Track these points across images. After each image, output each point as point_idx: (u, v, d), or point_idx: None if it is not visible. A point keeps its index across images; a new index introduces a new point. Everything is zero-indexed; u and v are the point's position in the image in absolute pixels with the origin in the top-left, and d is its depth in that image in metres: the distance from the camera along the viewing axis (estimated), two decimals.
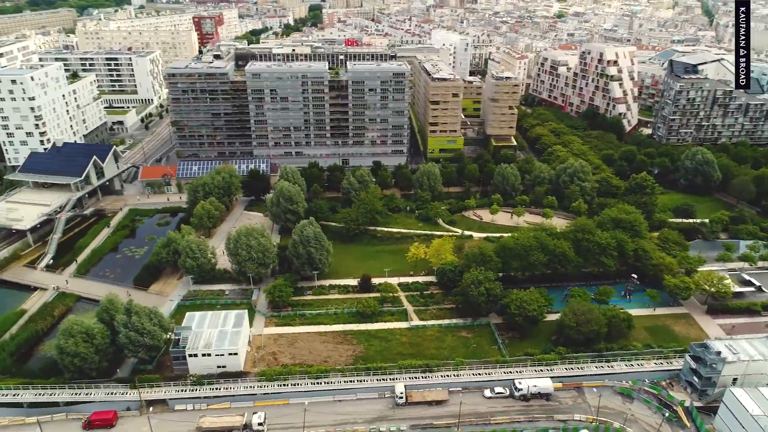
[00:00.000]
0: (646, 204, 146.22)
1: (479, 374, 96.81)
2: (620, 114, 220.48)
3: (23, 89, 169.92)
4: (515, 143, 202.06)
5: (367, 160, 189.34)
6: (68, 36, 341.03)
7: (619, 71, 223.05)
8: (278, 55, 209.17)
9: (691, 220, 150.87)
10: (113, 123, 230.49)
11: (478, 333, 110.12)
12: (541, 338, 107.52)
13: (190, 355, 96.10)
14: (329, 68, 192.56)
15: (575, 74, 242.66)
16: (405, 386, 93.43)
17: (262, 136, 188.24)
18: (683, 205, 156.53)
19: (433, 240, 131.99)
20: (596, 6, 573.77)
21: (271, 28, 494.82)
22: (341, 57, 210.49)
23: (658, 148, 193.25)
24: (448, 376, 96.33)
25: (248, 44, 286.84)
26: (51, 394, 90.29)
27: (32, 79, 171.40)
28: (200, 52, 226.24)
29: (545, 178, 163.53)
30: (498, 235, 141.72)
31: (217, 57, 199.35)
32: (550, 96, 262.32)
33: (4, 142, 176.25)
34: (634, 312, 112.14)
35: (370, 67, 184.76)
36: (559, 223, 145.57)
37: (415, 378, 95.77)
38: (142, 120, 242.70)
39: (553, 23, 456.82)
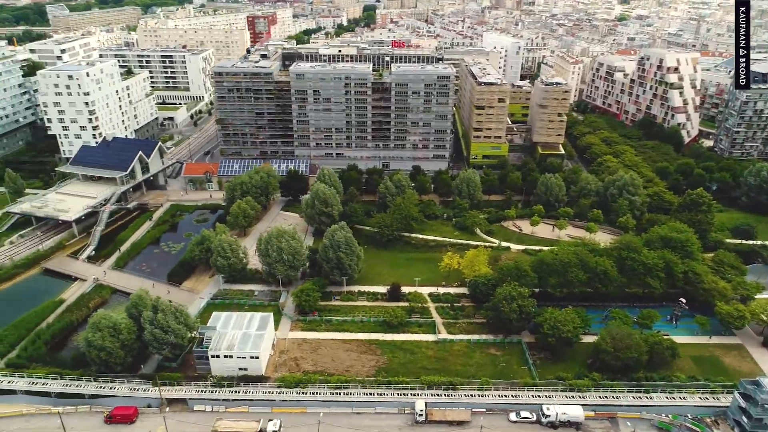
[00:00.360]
0: (701, 222, 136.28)
1: (505, 396, 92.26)
2: (679, 124, 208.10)
3: (79, 84, 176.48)
4: (563, 152, 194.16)
5: (408, 163, 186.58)
6: (130, 33, 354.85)
7: (680, 79, 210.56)
8: (324, 55, 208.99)
9: (751, 242, 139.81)
10: (164, 119, 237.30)
11: (508, 351, 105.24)
12: (576, 361, 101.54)
13: (213, 356, 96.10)
14: (373, 70, 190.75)
15: (632, 81, 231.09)
16: (426, 403, 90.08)
17: (303, 137, 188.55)
18: (743, 225, 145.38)
19: (468, 250, 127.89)
20: (661, 9, 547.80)
21: (324, 28, 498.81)
22: (387, 59, 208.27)
23: (719, 162, 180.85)
24: (472, 395, 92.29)
25: (297, 44, 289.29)
26: (77, 386, 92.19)
27: (88, 75, 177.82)
28: (248, 51, 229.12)
29: (592, 190, 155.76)
30: (537, 248, 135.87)
31: (264, 57, 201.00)
32: (604, 103, 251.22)
33: (59, 134, 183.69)
34: (680, 339, 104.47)
35: (414, 70, 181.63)
36: (603, 238, 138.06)
37: (438, 395, 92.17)
38: (191, 117, 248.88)
39: (613, 26, 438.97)
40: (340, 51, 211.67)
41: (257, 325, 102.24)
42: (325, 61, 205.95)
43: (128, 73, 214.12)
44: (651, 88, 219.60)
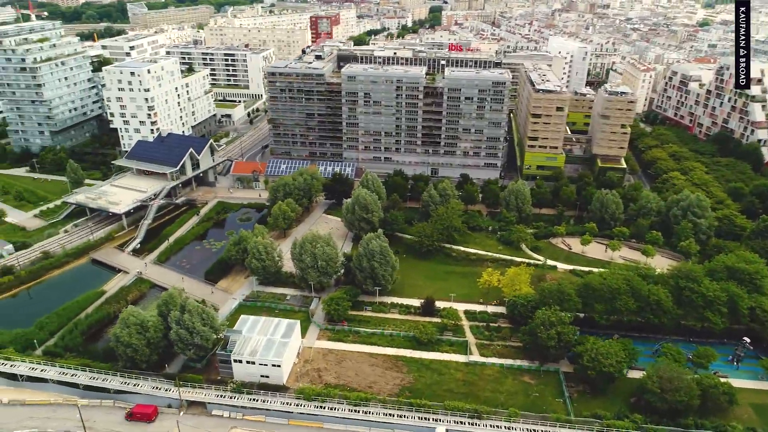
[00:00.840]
0: None
1: (534, 431, 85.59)
2: (760, 141, 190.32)
3: (140, 81, 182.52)
4: (624, 165, 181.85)
5: (458, 171, 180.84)
6: (198, 31, 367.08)
7: (764, 91, 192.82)
8: (379, 57, 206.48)
9: None
10: (222, 116, 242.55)
11: (544, 380, 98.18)
12: (617, 398, 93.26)
13: (235, 361, 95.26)
14: (427, 74, 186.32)
15: (708, 91, 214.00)
16: (447, 430, 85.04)
17: (352, 139, 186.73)
18: None
19: (510, 267, 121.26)
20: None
21: (388, 28, 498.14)
22: (443, 62, 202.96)
23: None
24: (498, 427, 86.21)
25: (356, 45, 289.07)
26: (103, 380, 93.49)
27: (149, 72, 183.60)
28: (303, 51, 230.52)
29: (652, 210, 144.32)
30: (587, 269, 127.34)
31: (318, 57, 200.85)
32: (676, 114, 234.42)
33: (120, 128, 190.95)
34: (741, 384, 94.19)
35: (467, 75, 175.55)
36: (661, 263, 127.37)
37: (461, 423, 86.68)
38: (248, 114, 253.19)
39: (693, 32, 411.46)
40: (395, 53, 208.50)
41: (283, 332, 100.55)
42: (379, 63, 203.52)
43: (189, 70, 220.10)
44: (729, 100, 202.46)
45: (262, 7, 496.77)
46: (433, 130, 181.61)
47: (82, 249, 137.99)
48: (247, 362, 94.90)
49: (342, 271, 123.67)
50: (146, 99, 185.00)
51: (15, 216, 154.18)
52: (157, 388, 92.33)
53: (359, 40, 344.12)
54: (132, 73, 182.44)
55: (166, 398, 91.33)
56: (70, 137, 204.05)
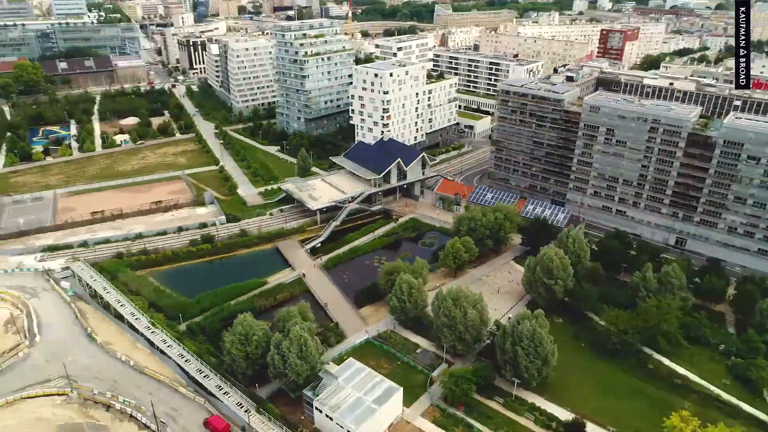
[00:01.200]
0: None
1: None
2: None
3: (381, 83, 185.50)
4: None
5: (715, 250, 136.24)
6: (479, 36, 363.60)
7: None
8: (648, 86, 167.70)
9: None
10: (465, 126, 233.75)
11: None
12: None
13: (316, 408, 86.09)
14: (701, 116, 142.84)
15: None
16: None
17: (581, 180, 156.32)
18: None
19: (721, 422, 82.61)
20: None
21: (708, 48, 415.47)
22: (736, 103, 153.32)
23: None
24: None
25: (647, 67, 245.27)
26: (205, 376, 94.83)
27: (391, 75, 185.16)
28: (555, 70, 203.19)
29: None
30: None
31: (569, 79, 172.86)
32: None
33: (357, 125, 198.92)
34: None
35: (760, 126, 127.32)
36: None
37: None
38: (492, 129, 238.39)
39: None
40: (671, 84, 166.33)
41: (377, 396, 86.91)
42: (646, 94, 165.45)
43: (439, 77, 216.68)
44: None
45: (560, 14, 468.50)
46: (691, 190, 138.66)
47: (273, 235, 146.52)
48: (326, 416, 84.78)
49: (488, 341, 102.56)
50: (383, 101, 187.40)
51: (245, 190, 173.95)
52: (240, 405, 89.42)
53: (654, 62, 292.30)
54: (375, 75, 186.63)
55: (242, 420, 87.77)
56: (321, 126, 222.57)
